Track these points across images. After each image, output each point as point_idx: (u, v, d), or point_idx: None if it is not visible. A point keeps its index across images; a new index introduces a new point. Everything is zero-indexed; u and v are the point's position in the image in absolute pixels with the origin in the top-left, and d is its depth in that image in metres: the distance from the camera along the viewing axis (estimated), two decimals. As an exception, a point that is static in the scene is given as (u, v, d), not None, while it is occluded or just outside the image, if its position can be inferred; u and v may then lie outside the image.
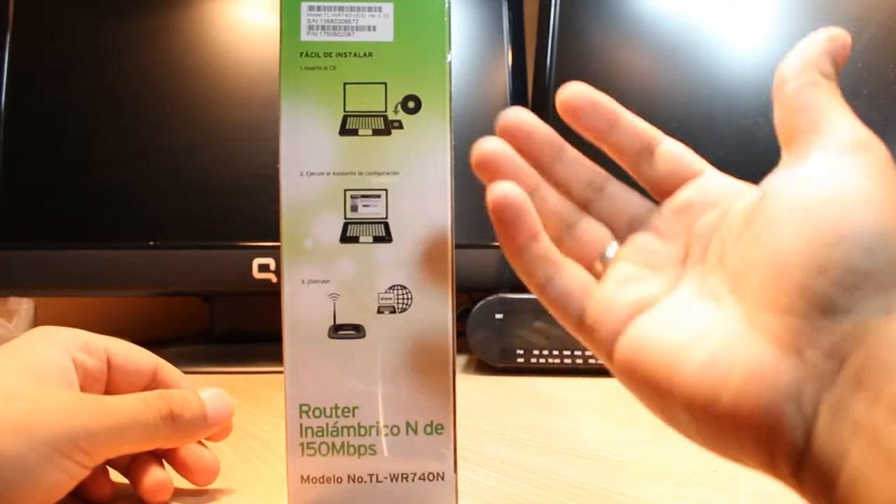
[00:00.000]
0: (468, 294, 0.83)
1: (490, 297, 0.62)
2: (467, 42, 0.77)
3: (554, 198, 0.28)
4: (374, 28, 0.29)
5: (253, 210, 0.69)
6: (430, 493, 0.29)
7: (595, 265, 0.27)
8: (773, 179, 0.22)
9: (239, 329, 0.74)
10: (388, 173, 0.28)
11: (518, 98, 0.77)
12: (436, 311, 0.29)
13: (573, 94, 0.27)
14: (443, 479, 0.29)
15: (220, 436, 0.34)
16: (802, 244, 0.19)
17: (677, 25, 0.65)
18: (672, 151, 0.28)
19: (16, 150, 0.69)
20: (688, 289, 0.24)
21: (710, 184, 0.27)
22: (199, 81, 0.71)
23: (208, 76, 0.71)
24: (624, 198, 0.28)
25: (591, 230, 0.28)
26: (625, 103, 0.70)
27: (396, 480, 0.29)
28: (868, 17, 0.56)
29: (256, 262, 0.67)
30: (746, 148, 0.59)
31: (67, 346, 0.30)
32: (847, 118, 0.22)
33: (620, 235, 0.28)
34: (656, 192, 0.28)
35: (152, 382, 0.34)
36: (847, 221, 0.19)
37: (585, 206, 0.28)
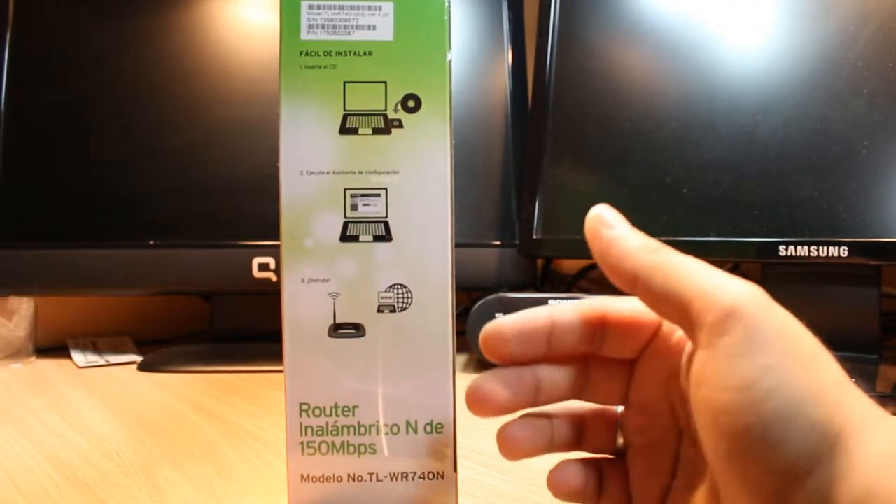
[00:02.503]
0: (468, 293, 0.83)
1: (490, 297, 0.62)
2: (467, 42, 0.77)
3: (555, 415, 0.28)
4: (374, 27, 0.29)
5: (253, 209, 0.69)
6: (430, 492, 0.29)
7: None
8: (690, 367, 0.23)
9: (239, 328, 0.74)
10: (388, 172, 0.28)
11: (518, 98, 0.77)
12: (436, 310, 0.29)
13: (489, 335, 0.26)
14: (443, 478, 0.29)
15: None
16: (724, 447, 0.21)
17: (677, 25, 0.65)
18: (623, 316, 0.28)
19: (16, 150, 0.69)
20: (684, 470, 0.26)
21: (662, 345, 0.27)
22: (199, 81, 0.71)
23: (208, 76, 0.71)
24: (605, 384, 0.28)
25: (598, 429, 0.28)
26: (625, 103, 0.71)
27: (396, 479, 0.29)
28: (868, 16, 0.56)
29: (256, 261, 0.67)
30: (746, 147, 0.59)
31: None
32: (707, 287, 0.22)
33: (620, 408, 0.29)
34: (625, 355, 0.28)
35: None
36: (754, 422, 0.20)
37: (578, 396, 0.28)
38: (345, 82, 0.28)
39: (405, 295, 0.29)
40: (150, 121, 0.70)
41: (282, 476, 0.30)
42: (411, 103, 0.28)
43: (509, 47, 0.77)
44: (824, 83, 0.57)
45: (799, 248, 0.55)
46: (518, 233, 0.72)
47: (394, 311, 0.29)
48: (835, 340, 0.67)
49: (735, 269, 0.82)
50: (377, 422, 0.29)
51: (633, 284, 0.24)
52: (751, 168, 0.59)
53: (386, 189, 0.28)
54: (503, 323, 0.26)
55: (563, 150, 0.70)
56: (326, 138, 0.28)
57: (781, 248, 0.56)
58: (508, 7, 0.78)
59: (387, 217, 0.28)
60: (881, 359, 0.56)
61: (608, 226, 0.25)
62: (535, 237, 0.69)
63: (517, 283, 0.73)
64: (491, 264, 0.73)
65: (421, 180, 0.28)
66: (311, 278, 0.28)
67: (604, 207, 0.26)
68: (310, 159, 0.28)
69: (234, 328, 0.74)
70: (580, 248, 0.70)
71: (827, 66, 0.57)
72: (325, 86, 0.28)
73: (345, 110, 0.28)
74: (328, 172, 0.28)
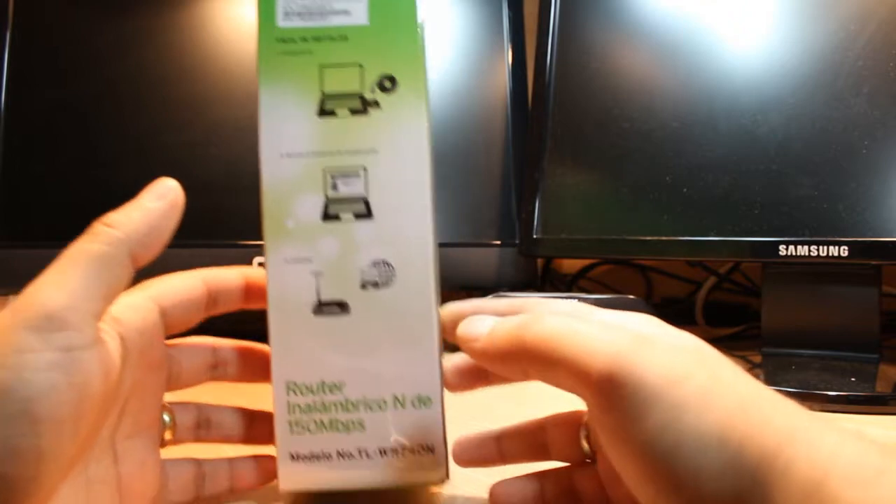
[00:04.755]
0: (468, 293, 0.83)
1: (490, 296, 0.62)
2: (467, 42, 0.77)
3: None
4: (349, 12, 0.29)
5: (253, 208, 0.68)
6: (419, 467, 0.29)
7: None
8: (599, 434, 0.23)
9: (239, 328, 0.74)
10: (366, 151, 0.29)
11: (518, 97, 0.77)
12: (418, 284, 0.29)
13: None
14: (433, 451, 0.29)
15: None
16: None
17: (677, 25, 0.65)
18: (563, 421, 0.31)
19: (16, 149, 0.69)
20: None
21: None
22: (199, 81, 0.71)
23: (208, 75, 0.71)
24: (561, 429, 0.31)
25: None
26: (625, 102, 0.71)
27: (386, 455, 0.29)
28: (868, 16, 0.56)
29: (256, 260, 0.67)
30: (746, 146, 0.59)
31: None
32: (578, 356, 0.22)
33: None
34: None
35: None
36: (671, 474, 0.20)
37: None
38: (321, 66, 0.29)
39: (388, 271, 0.29)
40: (150, 121, 0.70)
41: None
42: (387, 84, 0.29)
43: (509, 47, 0.77)
44: (824, 83, 0.57)
45: (799, 247, 0.55)
46: (518, 232, 0.72)
47: (377, 287, 0.29)
48: (835, 340, 0.67)
49: (735, 269, 0.82)
50: (364, 398, 0.29)
51: (526, 374, 0.25)
52: (751, 168, 0.59)
53: (365, 168, 0.29)
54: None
55: (563, 150, 0.70)
56: (305, 121, 0.29)
57: (781, 247, 0.56)
58: (508, 6, 0.78)
59: (367, 195, 0.29)
60: (881, 359, 0.56)
61: (473, 339, 0.26)
62: (535, 237, 0.69)
63: (517, 282, 0.73)
64: (491, 264, 0.73)
65: (400, 157, 0.29)
66: (293, 258, 0.29)
67: (463, 324, 0.27)
68: (289, 142, 0.29)
69: (234, 327, 0.74)
70: (580, 247, 0.70)
71: (827, 65, 0.57)
72: (303, 71, 0.29)
73: (322, 94, 0.29)
74: (307, 154, 0.29)
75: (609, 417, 0.21)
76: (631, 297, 0.62)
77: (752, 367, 0.57)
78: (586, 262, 0.92)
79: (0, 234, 0.67)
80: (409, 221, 0.29)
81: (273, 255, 0.29)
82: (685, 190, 0.61)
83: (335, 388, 0.29)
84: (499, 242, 0.73)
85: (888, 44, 0.55)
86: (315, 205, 0.29)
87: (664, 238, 0.62)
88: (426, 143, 0.29)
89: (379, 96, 0.29)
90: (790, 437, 0.19)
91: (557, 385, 0.23)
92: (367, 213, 0.29)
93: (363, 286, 0.28)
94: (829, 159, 0.56)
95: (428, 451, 0.29)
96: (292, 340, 0.29)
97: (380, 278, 0.29)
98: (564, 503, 0.29)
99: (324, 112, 0.29)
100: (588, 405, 0.22)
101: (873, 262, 0.55)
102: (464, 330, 0.27)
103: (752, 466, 0.19)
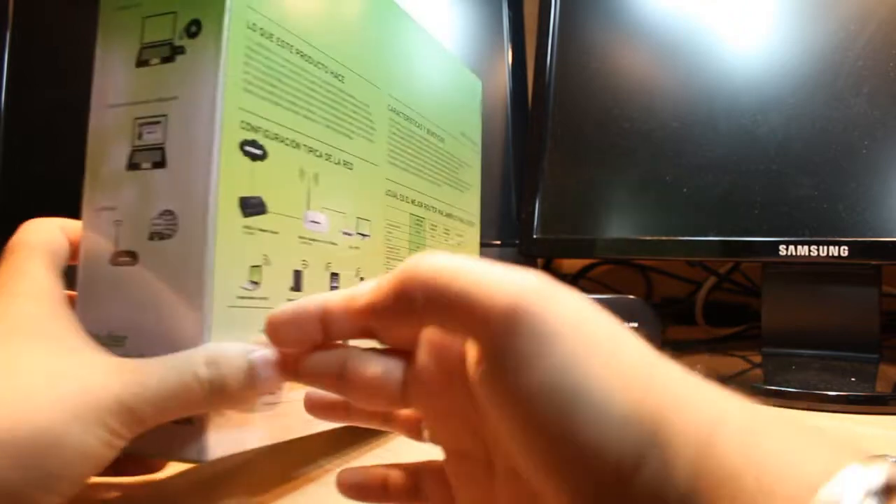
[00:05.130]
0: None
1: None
2: (467, 42, 0.77)
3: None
4: None
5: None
6: (180, 438, 0.27)
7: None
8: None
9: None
10: (168, 99, 0.28)
11: (518, 97, 0.77)
12: (197, 238, 0.27)
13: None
14: (192, 424, 0.27)
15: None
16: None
17: (677, 25, 0.65)
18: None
19: (16, 149, 0.69)
20: (500, 478, 0.24)
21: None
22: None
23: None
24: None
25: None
26: (625, 102, 0.70)
27: None
28: (868, 16, 0.56)
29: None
30: (746, 146, 0.59)
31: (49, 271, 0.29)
32: (483, 289, 0.20)
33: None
34: None
35: None
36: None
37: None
38: (144, 18, 0.29)
39: (173, 222, 0.28)
40: (150, 121, 0.70)
41: (274, 473, 0.29)
42: (193, 28, 0.29)
43: (509, 47, 0.77)
44: (824, 83, 0.57)
45: (799, 247, 0.55)
46: (518, 232, 0.72)
47: (162, 238, 0.28)
48: (835, 340, 0.67)
49: (735, 269, 0.82)
50: (141, 355, 0.27)
51: (409, 314, 0.22)
52: (751, 168, 0.59)
53: (166, 115, 0.28)
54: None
55: (563, 150, 0.70)
56: (125, 72, 0.29)
57: (781, 247, 0.56)
58: (508, 6, 0.78)
59: (164, 143, 0.28)
60: (881, 359, 0.56)
61: (357, 294, 0.23)
62: (535, 237, 0.69)
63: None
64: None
65: (194, 105, 0.28)
66: (102, 206, 0.29)
67: (341, 293, 0.24)
68: (111, 93, 0.29)
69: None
70: (580, 247, 0.70)
71: (827, 65, 0.57)
72: (129, 23, 0.29)
73: (141, 44, 0.29)
74: (123, 104, 0.29)
75: (507, 356, 0.19)
76: (631, 297, 0.62)
77: (752, 367, 0.57)
78: (586, 262, 0.92)
79: (0, 235, 0.68)
80: (195, 172, 0.28)
81: (87, 204, 0.29)
82: (685, 190, 0.61)
83: (119, 341, 0.28)
84: (499, 242, 0.73)
85: (888, 44, 0.55)
86: (123, 154, 0.29)
87: (664, 238, 0.62)
88: (219, 90, 0.28)
89: (185, 42, 0.28)
90: (686, 393, 0.18)
91: (448, 325, 0.21)
92: (162, 162, 0.28)
93: (151, 237, 0.28)
94: (829, 159, 0.56)
95: (188, 424, 0.27)
96: (90, 289, 0.28)
97: (165, 229, 0.28)
98: (407, 498, 0.28)
99: (140, 62, 0.29)
100: (482, 349, 0.20)
101: (873, 262, 0.55)
102: (343, 294, 0.24)
103: (650, 420, 0.18)
